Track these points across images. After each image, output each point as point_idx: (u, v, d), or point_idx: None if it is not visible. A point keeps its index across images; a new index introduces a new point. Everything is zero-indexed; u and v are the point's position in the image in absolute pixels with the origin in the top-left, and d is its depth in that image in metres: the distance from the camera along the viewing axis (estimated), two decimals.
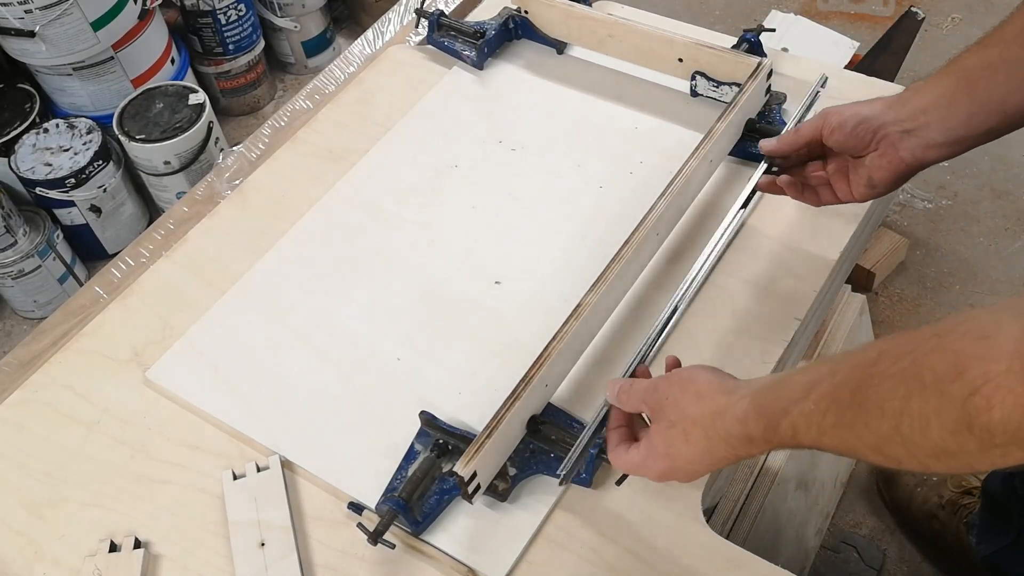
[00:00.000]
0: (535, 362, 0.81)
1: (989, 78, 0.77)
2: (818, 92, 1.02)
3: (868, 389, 0.55)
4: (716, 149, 0.98)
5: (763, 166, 0.94)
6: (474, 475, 0.76)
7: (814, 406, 0.59)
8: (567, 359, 0.85)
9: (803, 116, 1.00)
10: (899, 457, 0.54)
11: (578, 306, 0.84)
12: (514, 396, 0.79)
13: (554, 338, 0.82)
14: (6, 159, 1.89)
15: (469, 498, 0.77)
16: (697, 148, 0.96)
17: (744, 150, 1.04)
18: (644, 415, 0.76)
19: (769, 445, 0.64)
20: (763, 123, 1.03)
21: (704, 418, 0.67)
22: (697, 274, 0.91)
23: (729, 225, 0.95)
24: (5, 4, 1.76)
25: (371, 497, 0.82)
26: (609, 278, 0.86)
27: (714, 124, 0.98)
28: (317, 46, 2.45)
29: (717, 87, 1.09)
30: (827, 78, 1.02)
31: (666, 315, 0.88)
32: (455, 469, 0.75)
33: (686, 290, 0.90)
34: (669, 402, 0.70)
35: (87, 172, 1.88)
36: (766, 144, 0.92)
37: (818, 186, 0.91)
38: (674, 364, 0.77)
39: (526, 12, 1.20)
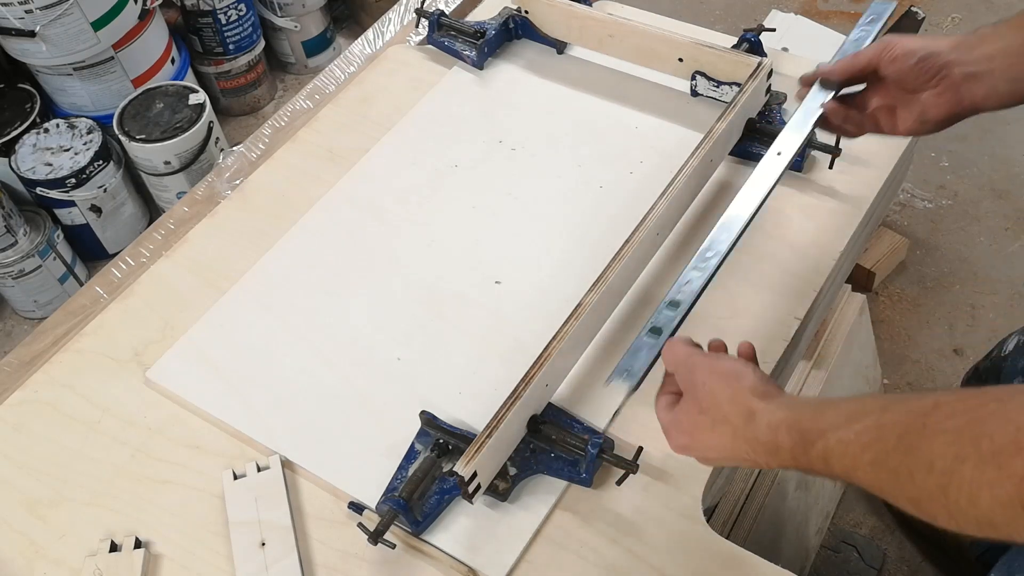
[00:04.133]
0: (535, 362, 0.81)
1: None
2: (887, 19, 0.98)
3: (919, 439, 0.53)
4: (716, 148, 0.98)
5: (819, 95, 0.89)
6: (474, 475, 0.76)
7: (855, 436, 0.58)
8: (567, 359, 0.85)
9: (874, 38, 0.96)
10: (936, 515, 0.53)
11: (578, 306, 0.84)
12: (514, 396, 0.79)
13: (554, 338, 0.82)
14: (7, 159, 1.89)
15: (469, 498, 0.77)
16: (697, 147, 0.96)
17: (745, 150, 1.04)
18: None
19: (795, 462, 0.63)
20: (763, 123, 1.04)
21: (735, 417, 0.66)
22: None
23: (752, 216, 0.90)
24: (5, 4, 1.76)
25: (371, 497, 0.82)
26: (609, 278, 0.86)
27: (714, 124, 0.98)
28: (317, 46, 2.45)
29: (717, 87, 1.09)
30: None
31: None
32: (455, 469, 0.75)
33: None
34: (705, 389, 0.69)
35: (87, 172, 1.88)
36: (823, 67, 0.89)
37: (861, 116, 0.87)
38: (719, 349, 0.76)
39: (526, 12, 1.20)
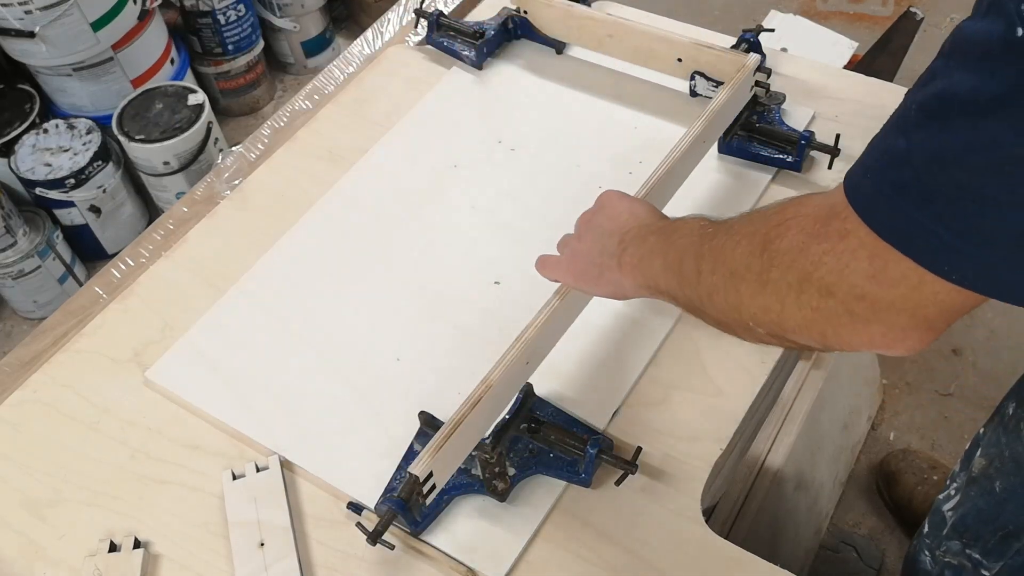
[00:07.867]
0: (516, 340, 0.79)
1: None
2: None
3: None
4: (695, 146, 0.96)
5: None
6: (430, 475, 0.74)
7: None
8: (548, 339, 0.83)
9: None
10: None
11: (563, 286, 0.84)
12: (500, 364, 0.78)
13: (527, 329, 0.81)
14: (6, 159, 1.90)
15: (423, 499, 0.75)
16: (678, 142, 0.94)
17: (746, 150, 1.04)
18: None
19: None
20: (763, 123, 1.04)
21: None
22: None
23: None
24: (5, 5, 1.76)
25: (371, 497, 0.82)
26: None
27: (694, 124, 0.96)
28: (316, 46, 2.45)
29: (716, 87, 1.09)
30: None
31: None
32: (410, 470, 0.73)
33: None
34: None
35: (87, 172, 1.89)
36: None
37: None
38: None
39: (525, 12, 1.20)
